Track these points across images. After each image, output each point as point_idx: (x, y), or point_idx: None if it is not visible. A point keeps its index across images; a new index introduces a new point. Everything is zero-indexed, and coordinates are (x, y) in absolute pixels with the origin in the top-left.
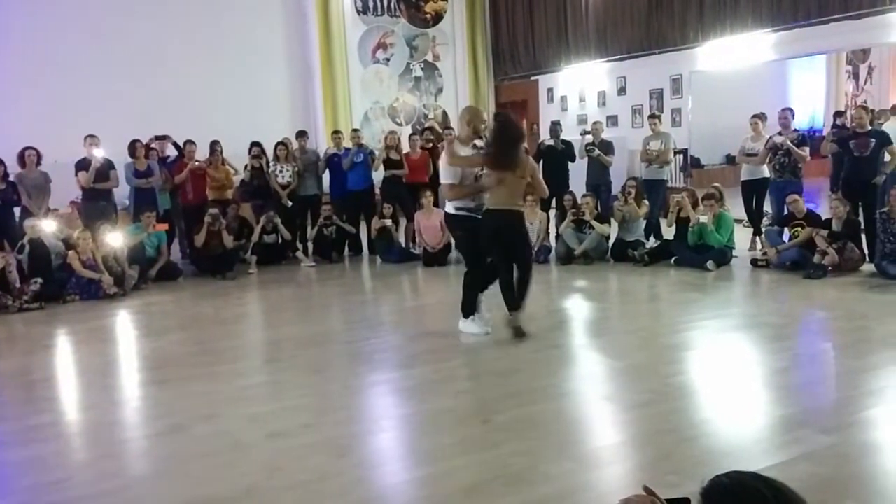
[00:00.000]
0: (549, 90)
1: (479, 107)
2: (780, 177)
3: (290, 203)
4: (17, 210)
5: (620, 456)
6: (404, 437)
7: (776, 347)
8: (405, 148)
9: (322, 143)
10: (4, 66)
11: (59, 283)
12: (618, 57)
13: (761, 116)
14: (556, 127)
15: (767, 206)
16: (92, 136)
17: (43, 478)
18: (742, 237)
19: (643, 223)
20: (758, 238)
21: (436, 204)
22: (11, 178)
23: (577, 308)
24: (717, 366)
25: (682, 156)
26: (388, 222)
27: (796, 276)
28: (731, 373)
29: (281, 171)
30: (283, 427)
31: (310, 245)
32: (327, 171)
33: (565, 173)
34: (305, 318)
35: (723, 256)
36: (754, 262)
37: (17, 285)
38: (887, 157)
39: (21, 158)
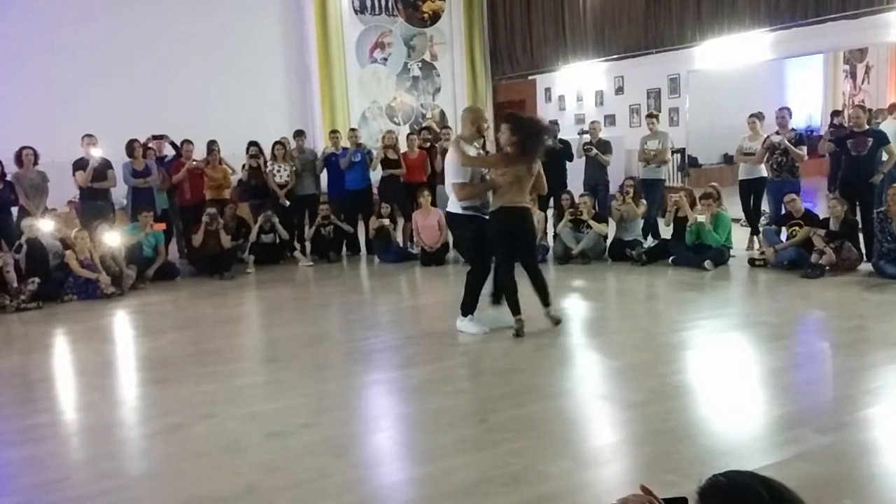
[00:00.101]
0: (547, 90)
1: (479, 106)
2: (777, 176)
3: (287, 203)
4: (14, 210)
5: (618, 455)
6: (402, 437)
7: (773, 347)
8: (403, 147)
9: (320, 143)
10: (1, 65)
11: (57, 283)
12: (615, 56)
13: (759, 116)
14: (553, 126)
15: (765, 206)
16: (89, 135)
17: (41, 477)
18: (740, 237)
19: (641, 223)
20: (755, 237)
21: (434, 203)
22: (9, 177)
23: (575, 307)
24: (714, 365)
25: (679, 155)
26: (386, 222)
27: (794, 276)
28: (729, 372)
29: (279, 171)
30: (281, 427)
31: (307, 245)
32: (325, 171)
33: (563, 173)
34: (303, 317)
35: (720, 256)
36: (752, 262)
37: (15, 285)
38: (885, 157)
39: (18, 158)
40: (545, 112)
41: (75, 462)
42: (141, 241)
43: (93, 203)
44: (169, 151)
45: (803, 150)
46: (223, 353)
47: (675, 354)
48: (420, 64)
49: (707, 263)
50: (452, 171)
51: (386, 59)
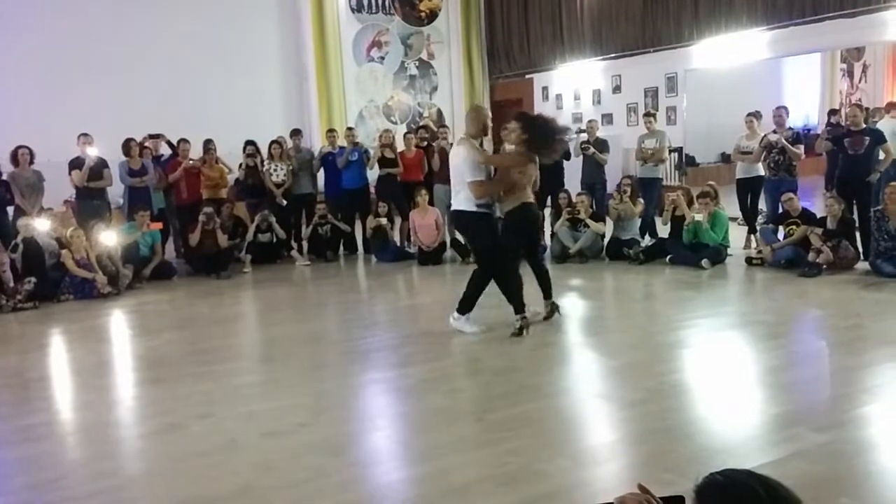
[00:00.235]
0: (544, 88)
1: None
2: (774, 175)
3: (284, 202)
4: (10, 209)
5: (615, 454)
6: (400, 436)
7: (771, 345)
8: (400, 146)
9: (317, 142)
10: None
11: (53, 283)
12: (613, 55)
13: (756, 115)
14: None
15: (762, 205)
16: (85, 134)
17: (37, 477)
18: (737, 235)
19: (638, 221)
20: (752, 236)
21: (431, 203)
22: (4, 177)
23: (572, 306)
24: (711, 364)
25: (677, 154)
26: (383, 221)
27: (791, 275)
28: (726, 371)
29: (275, 170)
30: (278, 426)
31: (304, 244)
32: (322, 170)
33: (560, 172)
34: (300, 317)
35: (718, 255)
36: (749, 261)
37: (11, 284)
38: (882, 156)
39: (14, 157)
40: (542, 111)
41: (72, 462)
42: (137, 241)
43: (89, 202)
44: (165, 150)
45: (800, 149)
46: (220, 353)
47: (672, 353)
48: (417, 63)
49: (704, 262)
50: (469, 168)
51: (383, 58)
